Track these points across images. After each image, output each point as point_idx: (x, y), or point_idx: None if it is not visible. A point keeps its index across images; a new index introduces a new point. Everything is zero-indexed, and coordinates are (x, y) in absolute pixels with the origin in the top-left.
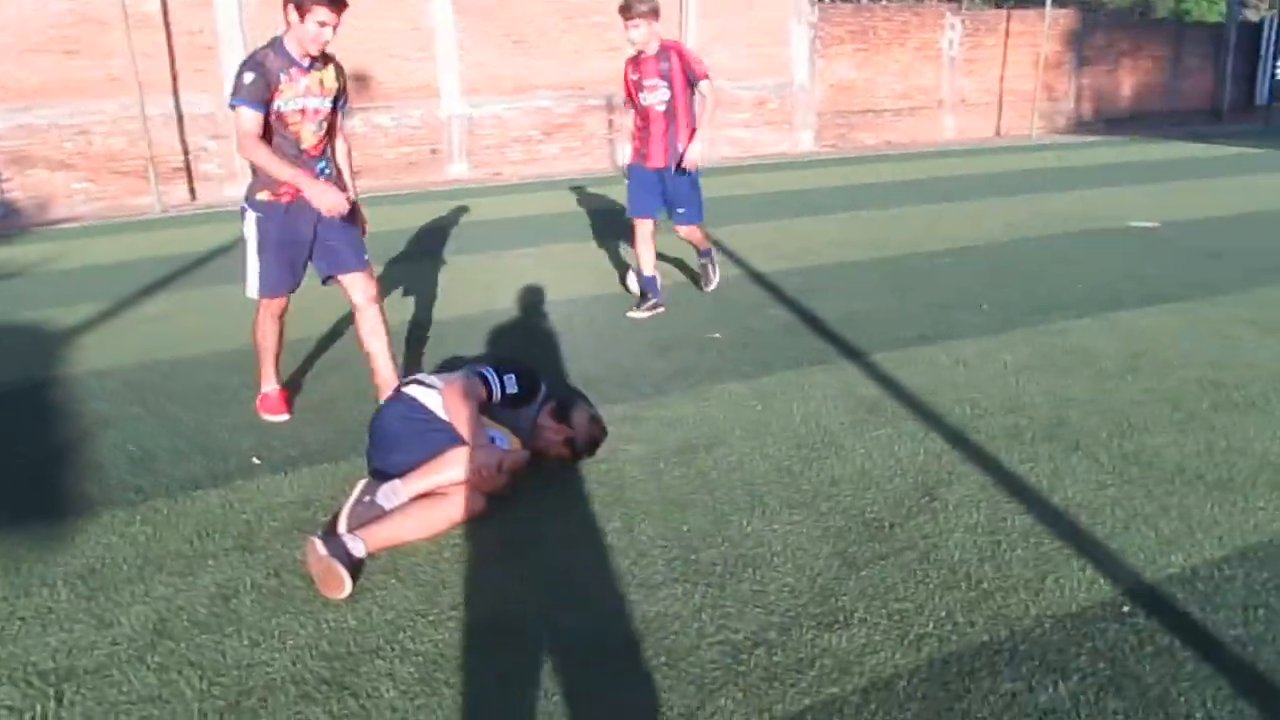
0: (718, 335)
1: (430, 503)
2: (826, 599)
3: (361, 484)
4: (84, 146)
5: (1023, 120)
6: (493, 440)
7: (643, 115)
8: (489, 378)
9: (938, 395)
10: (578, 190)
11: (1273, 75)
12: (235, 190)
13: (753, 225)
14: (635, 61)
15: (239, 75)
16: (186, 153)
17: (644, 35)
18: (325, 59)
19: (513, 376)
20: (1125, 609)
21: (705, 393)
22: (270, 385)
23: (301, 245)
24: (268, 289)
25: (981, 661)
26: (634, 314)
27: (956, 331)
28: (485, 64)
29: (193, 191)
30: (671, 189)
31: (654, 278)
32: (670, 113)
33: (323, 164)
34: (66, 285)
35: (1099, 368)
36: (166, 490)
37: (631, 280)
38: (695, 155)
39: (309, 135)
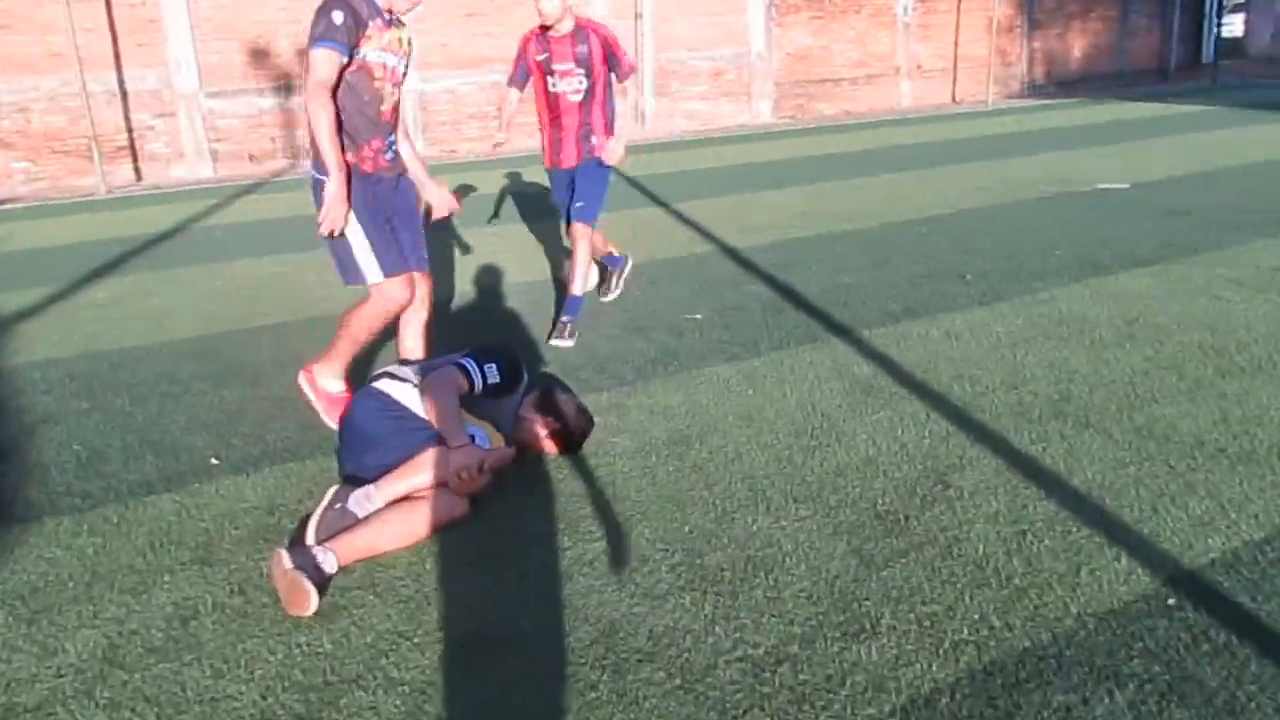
0: (698, 315)
1: (408, 508)
2: (848, 604)
3: (332, 490)
4: (22, 125)
5: (978, 85)
6: (473, 438)
7: (551, 106)
8: (469, 369)
9: (935, 372)
10: (538, 167)
11: (1217, 33)
12: (183, 170)
13: (718, 199)
14: (543, 39)
15: (324, 14)
16: (131, 131)
17: (557, 9)
18: (399, 20)
19: (494, 365)
20: (1170, 601)
21: (691, 378)
22: (341, 385)
23: (394, 216)
24: (391, 265)
25: (1027, 671)
26: (608, 296)
27: (943, 303)
28: (437, 36)
29: (138, 172)
30: (577, 180)
31: (614, 256)
32: (586, 104)
33: (393, 137)
34: (6, 269)
35: (1095, 336)
36: (117, 495)
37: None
38: (615, 158)
39: (388, 98)
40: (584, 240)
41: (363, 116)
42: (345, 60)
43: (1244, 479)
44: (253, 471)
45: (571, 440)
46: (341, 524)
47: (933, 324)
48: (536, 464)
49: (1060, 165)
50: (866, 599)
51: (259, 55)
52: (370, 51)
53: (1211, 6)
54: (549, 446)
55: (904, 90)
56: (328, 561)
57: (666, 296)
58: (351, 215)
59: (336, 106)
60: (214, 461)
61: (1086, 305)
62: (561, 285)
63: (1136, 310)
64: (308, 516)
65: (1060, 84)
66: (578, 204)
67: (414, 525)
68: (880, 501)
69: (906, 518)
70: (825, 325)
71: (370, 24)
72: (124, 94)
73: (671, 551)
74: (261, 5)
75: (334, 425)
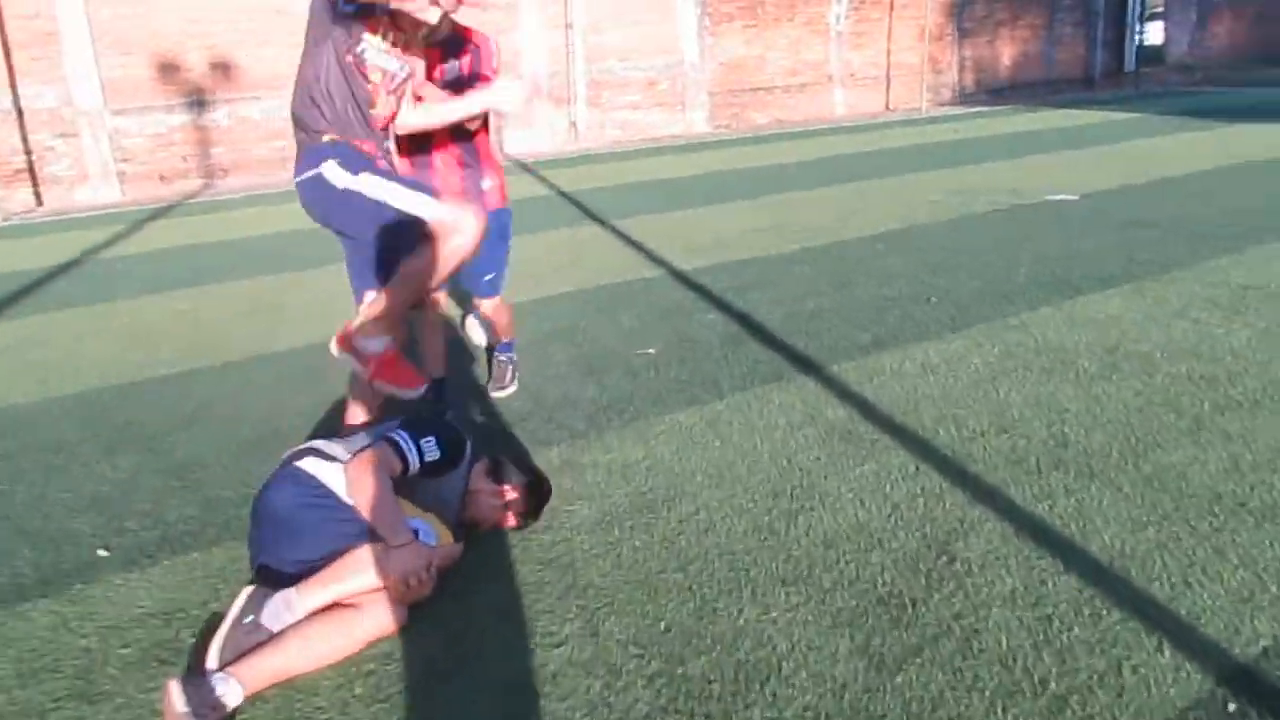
0: (651, 350)
1: (335, 621)
2: None
3: (243, 595)
4: None
5: (911, 93)
6: (416, 534)
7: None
8: (403, 445)
9: (916, 414)
10: None
11: (1139, 41)
12: (88, 193)
13: (659, 215)
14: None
15: None
16: (29, 153)
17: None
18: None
19: (432, 440)
20: (1231, 708)
21: (650, 426)
22: (384, 342)
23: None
24: (434, 194)
25: None
26: (503, 392)
27: (912, 331)
28: None
29: (39, 196)
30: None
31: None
32: (466, 133)
33: (388, 144)
34: None
35: (1078, 368)
36: None
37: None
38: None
39: (382, 105)
40: (500, 319)
41: (352, 114)
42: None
43: (1273, 539)
44: (148, 564)
45: (532, 512)
46: (251, 641)
47: (905, 355)
48: (483, 544)
49: (1005, 175)
50: (883, 716)
51: (167, 69)
52: (370, 50)
53: (1133, 16)
54: (505, 520)
55: (838, 98)
56: (230, 693)
57: (615, 328)
58: (363, 174)
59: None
60: (102, 553)
61: (1062, 331)
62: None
63: (1115, 337)
64: (211, 629)
65: (991, 91)
66: (484, 278)
67: (342, 641)
68: (880, 581)
69: (914, 602)
70: (790, 359)
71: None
72: (19, 112)
73: (647, 658)
74: (167, 15)
75: (410, 393)
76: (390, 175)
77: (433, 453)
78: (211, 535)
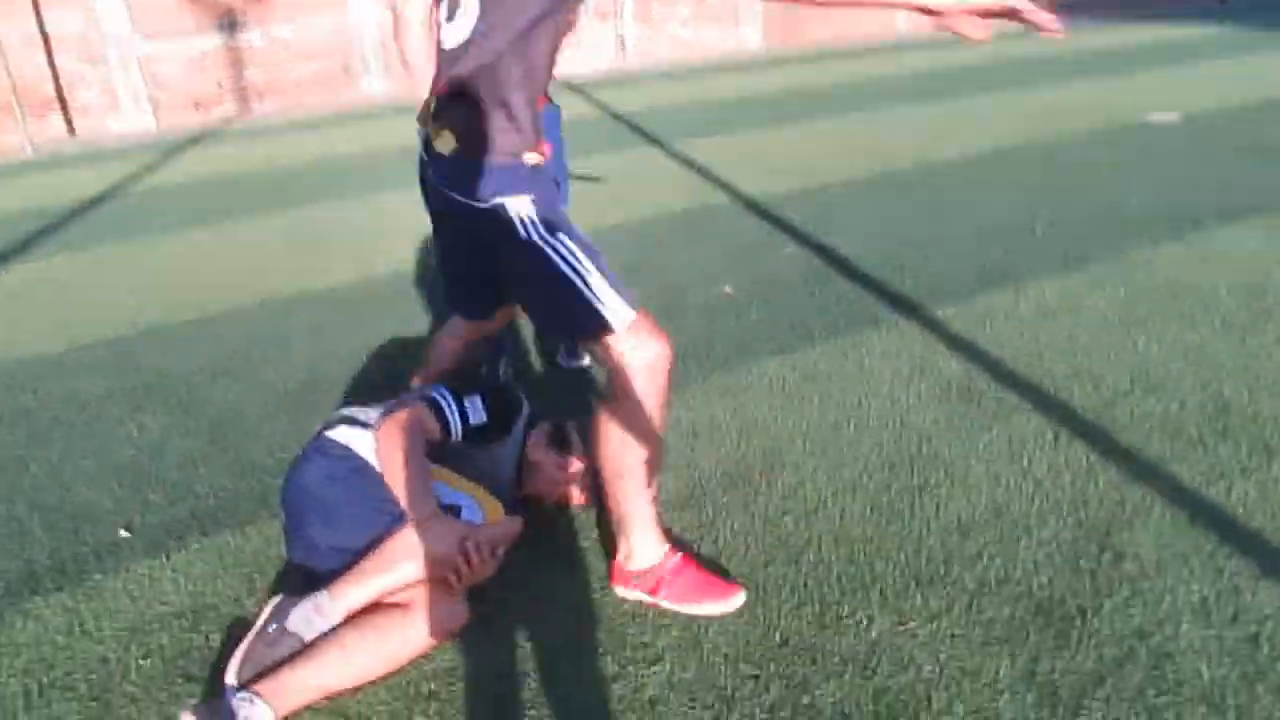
0: (728, 289)
1: (378, 624)
2: None
3: (271, 603)
4: None
5: None
6: (457, 510)
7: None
8: (443, 406)
9: (1042, 367)
10: None
11: None
12: (121, 123)
13: (722, 138)
14: None
15: None
16: (58, 80)
17: None
18: None
19: (478, 401)
20: None
21: (736, 379)
22: (663, 546)
23: None
24: (631, 294)
25: None
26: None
27: (1021, 266)
28: None
29: (70, 125)
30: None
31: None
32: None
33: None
34: None
35: (1222, 315)
36: None
37: None
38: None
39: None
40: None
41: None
42: None
43: None
44: (174, 548)
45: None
46: (279, 652)
47: (1018, 295)
48: (551, 526)
49: (1100, 93)
50: None
51: None
52: None
53: None
54: (572, 496)
55: (902, 13)
56: (257, 716)
57: (684, 264)
58: (560, 233)
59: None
60: (123, 533)
61: (1195, 271)
62: None
63: (1257, 277)
64: (236, 640)
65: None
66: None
67: (390, 649)
68: (1036, 584)
69: (1082, 613)
70: (886, 300)
71: None
72: (45, 38)
73: (764, 681)
74: None
75: (720, 610)
76: (584, 241)
77: (478, 415)
78: (246, 511)
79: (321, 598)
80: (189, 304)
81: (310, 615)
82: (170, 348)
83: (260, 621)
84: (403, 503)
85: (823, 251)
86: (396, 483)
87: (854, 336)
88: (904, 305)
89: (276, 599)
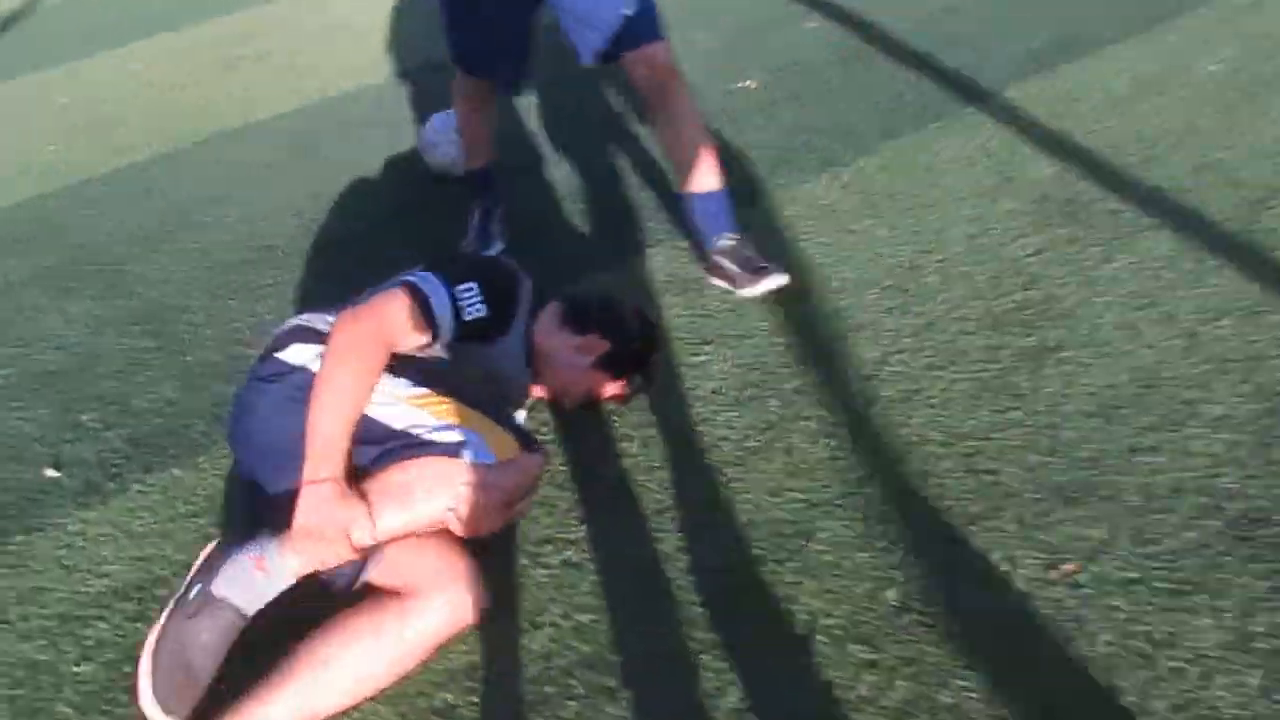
0: (750, 83)
1: (364, 618)
2: None
3: (203, 554)
4: None
5: None
6: (463, 449)
7: None
8: (427, 293)
9: (1157, 161)
10: None
11: None
12: None
13: None
14: None
15: None
16: None
17: None
18: None
19: (474, 289)
20: None
21: (777, 206)
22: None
23: None
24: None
25: None
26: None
27: (1108, 29)
28: None
29: None
30: None
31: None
32: None
33: None
34: None
35: None
36: None
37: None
38: None
39: None
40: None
41: None
42: None
43: None
44: (112, 492)
45: (643, 374)
46: (207, 637)
47: (1101, 66)
48: (580, 455)
49: None
50: None
51: None
52: None
53: None
54: (602, 392)
55: None
56: None
57: (690, 51)
58: None
59: None
60: (51, 473)
61: None
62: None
63: None
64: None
65: None
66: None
67: (386, 654)
68: (1222, 488)
69: None
70: (942, 83)
71: None
72: None
73: (885, 673)
74: None
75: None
76: None
77: (475, 309)
78: (195, 436)
79: (267, 546)
80: (111, 148)
81: (249, 573)
82: (94, 209)
83: (181, 589)
84: (317, 414)
85: (852, 23)
86: (317, 413)
87: (913, 136)
88: (963, 89)
89: (209, 546)
